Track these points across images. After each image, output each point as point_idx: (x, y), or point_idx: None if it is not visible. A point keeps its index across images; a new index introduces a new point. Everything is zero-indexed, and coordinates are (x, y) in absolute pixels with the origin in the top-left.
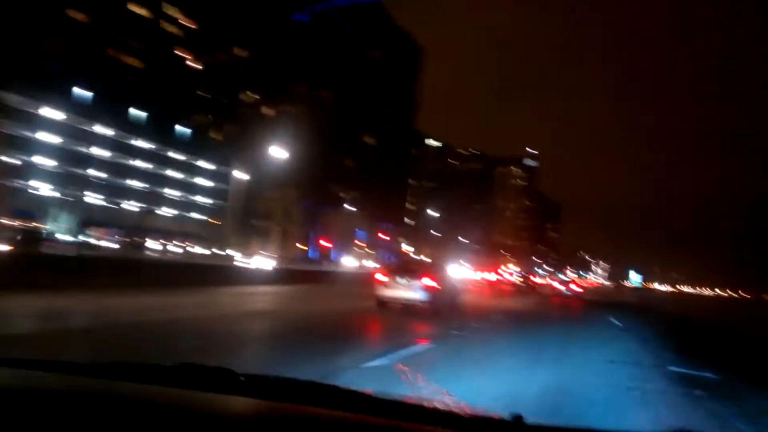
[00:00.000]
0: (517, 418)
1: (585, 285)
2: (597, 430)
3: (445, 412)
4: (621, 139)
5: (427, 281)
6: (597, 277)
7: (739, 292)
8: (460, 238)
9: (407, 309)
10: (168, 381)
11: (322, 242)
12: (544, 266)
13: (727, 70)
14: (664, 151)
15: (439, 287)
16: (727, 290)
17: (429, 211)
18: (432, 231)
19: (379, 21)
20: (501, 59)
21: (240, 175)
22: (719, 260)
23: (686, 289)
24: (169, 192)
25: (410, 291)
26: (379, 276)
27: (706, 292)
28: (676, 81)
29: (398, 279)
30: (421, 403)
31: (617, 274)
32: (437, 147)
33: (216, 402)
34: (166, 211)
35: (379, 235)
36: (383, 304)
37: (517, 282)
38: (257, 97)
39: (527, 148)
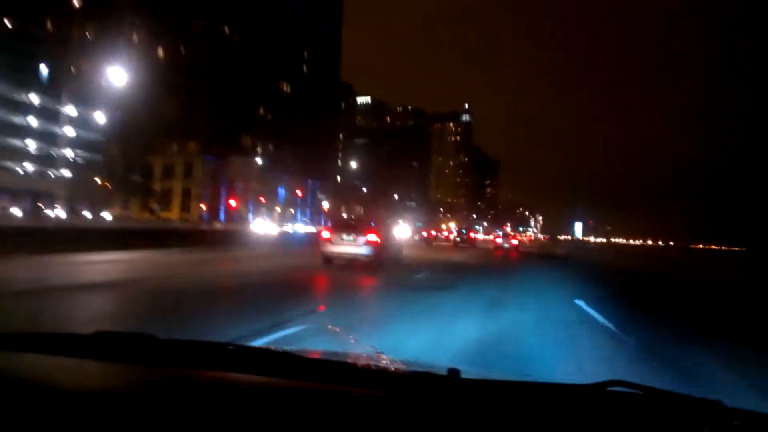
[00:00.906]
0: (454, 373)
1: (522, 239)
2: (532, 381)
3: (377, 370)
4: (554, 95)
5: (370, 237)
6: (535, 231)
7: (670, 243)
8: (396, 196)
9: (352, 263)
10: (82, 351)
11: (231, 202)
12: (484, 223)
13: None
14: (597, 105)
15: (382, 242)
16: (659, 241)
17: (359, 169)
18: (365, 190)
19: None
20: (433, 19)
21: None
22: (652, 214)
23: (619, 240)
24: (23, 144)
25: (354, 246)
26: (324, 233)
27: (637, 242)
28: (608, 30)
29: (343, 235)
30: (351, 361)
31: (554, 229)
32: (370, 104)
33: (133, 373)
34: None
35: (298, 192)
36: (329, 259)
37: (456, 239)
38: (143, 34)
39: (464, 105)
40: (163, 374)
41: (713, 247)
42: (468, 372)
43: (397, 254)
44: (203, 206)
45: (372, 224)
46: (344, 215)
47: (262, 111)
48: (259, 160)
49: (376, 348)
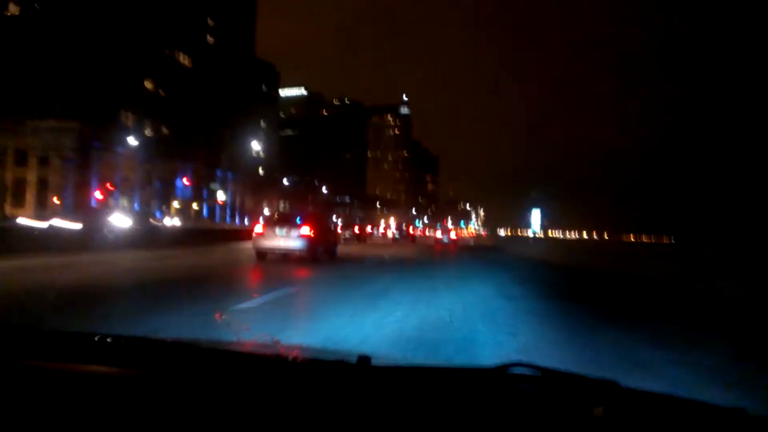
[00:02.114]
0: (363, 360)
1: (463, 234)
2: (439, 366)
3: (276, 357)
4: (494, 89)
5: (304, 230)
6: (476, 226)
7: (604, 235)
8: (327, 191)
9: (286, 257)
10: None
11: (98, 194)
12: (425, 219)
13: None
14: (534, 102)
15: (316, 237)
16: (594, 234)
17: (286, 161)
18: (288, 182)
19: None
20: (371, 10)
21: None
22: (588, 207)
23: (556, 234)
24: None
25: (288, 240)
26: (257, 228)
27: (573, 236)
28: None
29: (277, 230)
30: (247, 350)
31: (494, 223)
32: (305, 95)
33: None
34: None
35: (185, 181)
36: (262, 254)
37: (395, 234)
38: None
39: (402, 97)
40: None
41: (644, 238)
42: (381, 359)
43: (331, 249)
44: (56, 200)
45: (306, 218)
46: (266, 210)
47: (150, 85)
48: (134, 143)
49: (273, 337)
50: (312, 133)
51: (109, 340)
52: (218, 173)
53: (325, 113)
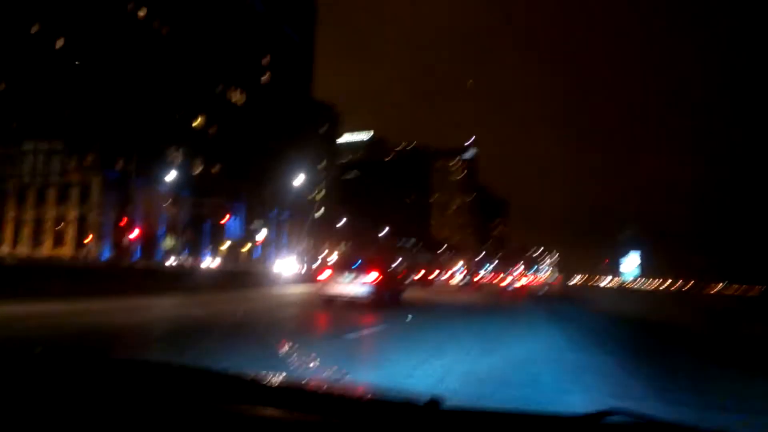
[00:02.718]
0: (433, 402)
1: (534, 282)
2: (521, 412)
3: (348, 397)
4: (564, 133)
5: (370, 277)
6: (547, 273)
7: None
8: (391, 234)
9: (352, 304)
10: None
11: (136, 233)
12: (493, 264)
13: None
14: (607, 147)
15: (382, 282)
16: (680, 281)
17: (349, 203)
18: (354, 225)
19: None
20: (436, 55)
21: None
22: (670, 254)
23: (634, 283)
24: None
25: (354, 287)
26: (323, 274)
27: (655, 284)
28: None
29: (342, 275)
30: (319, 388)
31: (567, 269)
32: (370, 140)
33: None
34: None
35: (227, 220)
36: (328, 301)
37: (462, 281)
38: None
39: (468, 140)
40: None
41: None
42: (453, 401)
43: (397, 295)
44: (90, 237)
45: (372, 264)
46: (327, 252)
47: (201, 121)
48: (181, 179)
49: (345, 372)
50: (375, 176)
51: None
52: (272, 214)
53: (389, 156)
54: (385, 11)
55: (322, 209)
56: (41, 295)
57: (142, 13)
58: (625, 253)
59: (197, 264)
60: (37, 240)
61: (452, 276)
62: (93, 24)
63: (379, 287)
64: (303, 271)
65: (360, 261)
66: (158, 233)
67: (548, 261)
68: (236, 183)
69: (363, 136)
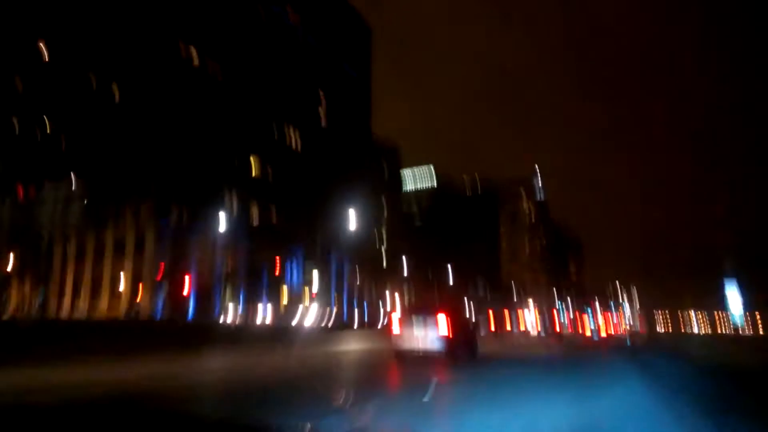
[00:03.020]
0: None
1: (616, 330)
2: None
3: None
4: (634, 161)
5: (443, 330)
6: (629, 317)
7: None
8: (454, 277)
9: (426, 358)
10: None
11: (186, 286)
12: (568, 308)
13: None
14: (686, 179)
15: (456, 335)
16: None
17: (413, 247)
18: (418, 272)
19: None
20: (501, 90)
21: None
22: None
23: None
24: None
25: (427, 340)
26: (394, 327)
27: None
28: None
29: (413, 329)
30: None
31: (649, 309)
32: (431, 175)
33: None
34: None
35: (284, 269)
36: (401, 356)
37: (539, 331)
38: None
39: (537, 178)
40: None
41: None
42: None
43: (471, 348)
44: (141, 294)
45: (444, 315)
46: (393, 302)
47: (256, 164)
48: (236, 227)
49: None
50: (440, 219)
51: None
52: (333, 261)
53: (456, 197)
54: (438, 44)
55: (386, 255)
56: (96, 354)
57: (196, 61)
58: (720, 286)
59: (254, 318)
60: (90, 296)
61: (529, 327)
62: (148, 71)
63: (452, 341)
64: (367, 323)
65: (431, 312)
66: (214, 286)
67: (626, 300)
68: (295, 229)
69: (424, 171)
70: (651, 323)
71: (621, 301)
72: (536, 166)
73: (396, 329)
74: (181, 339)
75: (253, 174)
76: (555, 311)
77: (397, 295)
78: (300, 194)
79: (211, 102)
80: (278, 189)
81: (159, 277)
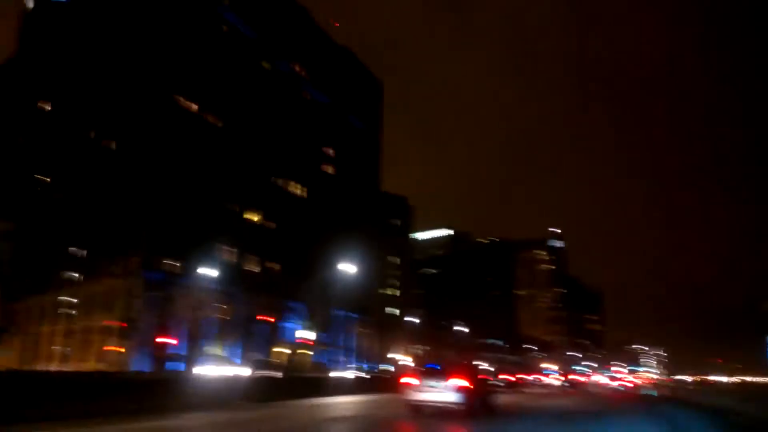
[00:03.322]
0: None
1: (639, 382)
2: None
3: None
4: (654, 218)
5: (458, 382)
6: (655, 372)
7: None
8: (467, 331)
9: (441, 412)
10: None
11: (167, 340)
12: (585, 362)
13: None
14: (702, 229)
15: (473, 387)
16: None
17: (425, 302)
18: (430, 325)
19: (311, 33)
20: (509, 141)
21: None
22: None
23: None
24: None
25: (442, 393)
26: (407, 379)
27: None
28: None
29: (428, 381)
30: None
31: (677, 368)
32: (450, 236)
33: None
34: None
35: (283, 322)
36: (415, 409)
37: (563, 383)
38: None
39: (550, 229)
40: None
41: None
42: None
43: (488, 400)
44: (124, 348)
45: (460, 367)
46: (404, 354)
47: (257, 218)
48: (229, 278)
49: None
50: (455, 271)
51: None
52: (338, 314)
53: (471, 246)
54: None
55: (398, 308)
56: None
57: (195, 107)
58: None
59: (249, 371)
60: (68, 352)
61: (545, 378)
62: (144, 120)
63: (469, 393)
64: (377, 376)
65: (446, 364)
66: (204, 338)
67: (653, 360)
68: (295, 280)
69: (442, 232)
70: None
71: (645, 361)
72: (556, 229)
73: (410, 381)
74: (159, 393)
75: (252, 227)
76: (571, 364)
77: (406, 347)
78: (302, 245)
79: (210, 155)
80: (278, 241)
81: (162, 330)
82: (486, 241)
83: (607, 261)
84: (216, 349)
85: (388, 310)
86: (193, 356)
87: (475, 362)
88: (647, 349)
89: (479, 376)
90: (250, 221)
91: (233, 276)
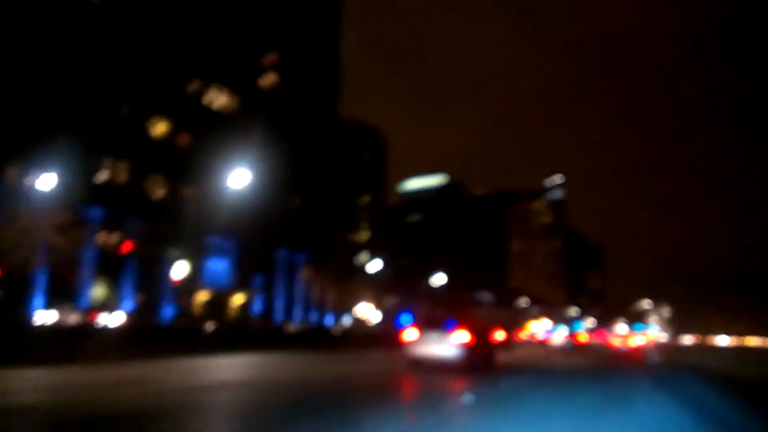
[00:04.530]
0: None
1: (642, 342)
2: None
3: None
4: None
5: (461, 337)
6: (657, 332)
7: None
8: (455, 282)
9: (442, 367)
10: None
11: None
12: (588, 320)
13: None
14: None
15: (474, 342)
16: None
17: (407, 249)
18: (408, 275)
19: None
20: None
21: None
22: None
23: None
24: None
25: (442, 347)
26: (409, 334)
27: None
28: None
29: (429, 335)
30: None
31: (681, 328)
32: (444, 184)
33: None
34: None
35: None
36: (415, 363)
37: (563, 342)
38: None
39: (550, 178)
40: None
41: None
42: None
43: (489, 355)
44: None
45: (462, 322)
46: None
47: (163, 129)
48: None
49: None
50: (444, 220)
51: None
52: (281, 254)
53: (463, 196)
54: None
55: (367, 254)
56: None
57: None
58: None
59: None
60: None
61: (542, 337)
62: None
63: (471, 349)
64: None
65: (448, 318)
66: (83, 275)
67: (656, 318)
68: (219, 211)
69: (435, 180)
70: (677, 338)
71: (648, 320)
72: (558, 178)
73: (411, 335)
74: None
75: (156, 140)
76: (569, 321)
77: (377, 298)
78: (226, 169)
79: (91, 40)
80: (192, 160)
81: None
82: (481, 193)
83: (610, 215)
84: (100, 293)
85: (358, 258)
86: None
87: (477, 317)
88: (651, 307)
89: (481, 333)
90: (154, 133)
91: (126, 199)
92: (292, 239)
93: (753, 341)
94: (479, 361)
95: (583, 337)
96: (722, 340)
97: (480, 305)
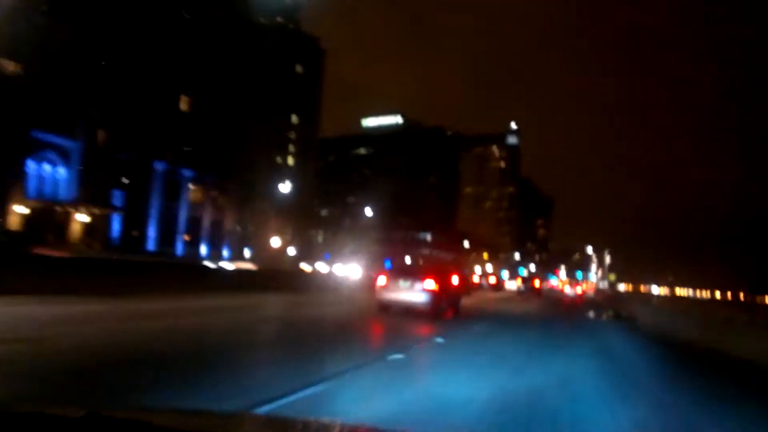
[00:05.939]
0: None
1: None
2: None
3: None
4: (611, 128)
5: (428, 284)
6: (597, 279)
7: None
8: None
9: (408, 311)
10: None
11: None
12: (531, 266)
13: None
14: (660, 145)
15: (440, 289)
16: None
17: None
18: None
19: None
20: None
21: None
22: (722, 260)
23: (684, 292)
24: None
25: (411, 293)
26: (380, 279)
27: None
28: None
29: (399, 281)
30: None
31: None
32: (400, 124)
33: None
34: None
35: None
36: (385, 307)
37: (519, 287)
38: None
39: (510, 126)
40: None
41: None
42: None
43: (454, 302)
44: None
45: (430, 269)
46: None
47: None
48: None
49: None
50: (390, 157)
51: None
52: (156, 167)
53: (414, 134)
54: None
55: (289, 181)
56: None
57: None
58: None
59: None
60: None
61: (496, 280)
62: None
63: (436, 295)
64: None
65: (416, 265)
66: None
67: (596, 266)
68: (70, 100)
69: (392, 119)
70: (614, 288)
71: (590, 268)
72: (512, 124)
73: (382, 281)
74: None
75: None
76: (513, 267)
77: (296, 233)
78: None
79: None
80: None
81: None
82: (433, 131)
83: (561, 166)
84: None
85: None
86: None
87: (450, 265)
88: (592, 255)
89: (448, 279)
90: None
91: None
92: (175, 149)
93: (682, 292)
94: (444, 307)
95: (537, 283)
96: (654, 290)
97: (417, 244)
